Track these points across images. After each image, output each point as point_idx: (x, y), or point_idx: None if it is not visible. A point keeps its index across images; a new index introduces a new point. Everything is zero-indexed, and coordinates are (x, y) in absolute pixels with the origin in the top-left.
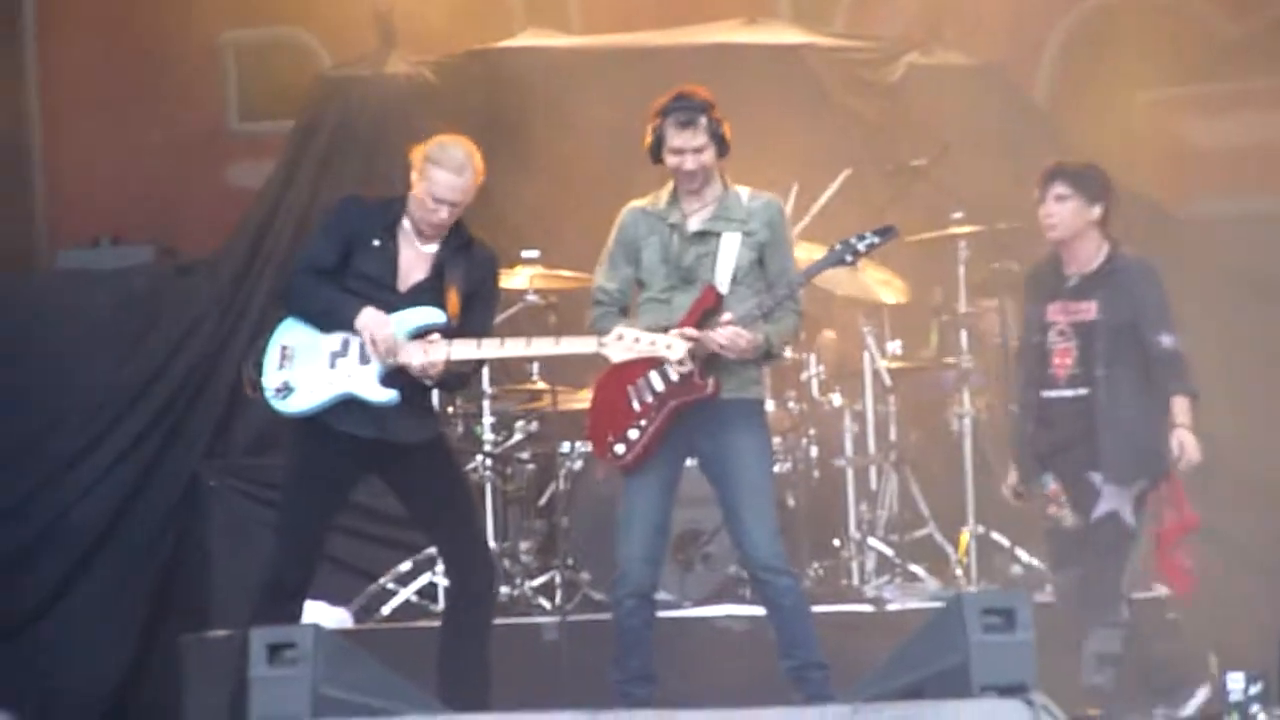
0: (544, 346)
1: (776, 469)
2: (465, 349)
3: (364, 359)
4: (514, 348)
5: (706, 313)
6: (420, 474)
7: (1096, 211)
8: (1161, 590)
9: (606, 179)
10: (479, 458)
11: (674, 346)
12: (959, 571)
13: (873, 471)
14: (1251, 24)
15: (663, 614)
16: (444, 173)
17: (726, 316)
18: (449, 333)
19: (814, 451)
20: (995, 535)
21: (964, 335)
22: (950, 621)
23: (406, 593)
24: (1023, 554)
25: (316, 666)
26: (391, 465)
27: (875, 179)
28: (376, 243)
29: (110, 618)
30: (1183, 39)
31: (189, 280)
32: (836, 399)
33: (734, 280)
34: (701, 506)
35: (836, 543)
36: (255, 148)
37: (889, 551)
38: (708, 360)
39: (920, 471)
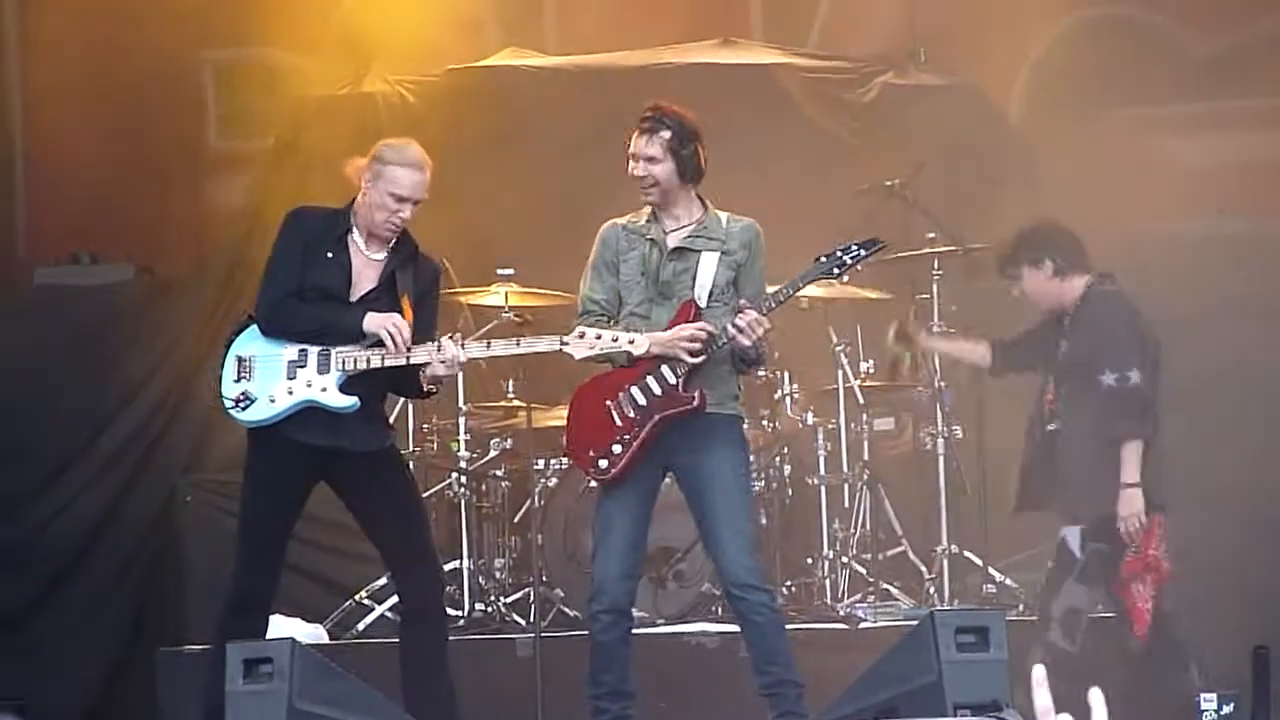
0: (505, 347)
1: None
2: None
3: (323, 367)
4: (475, 350)
5: None
6: (371, 482)
7: (1049, 268)
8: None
9: (582, 198)
10: (453, 474)
11: (636, 341)
12: (932, 590)
13: (846, 490)
14: (1220, 45)
15: (635, 631)
16: (405, 170)
17: (744, 303)
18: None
19: (787, 470)
20: (969, 554)
21: (936, 355)
22: (923, 640)
23: (382, 609)
24: (995, 573)
25: (292, 682)
26: (344, 473)
27: (848, 198)
28: (329, 254)
29: (88, 631)
30: (1153, 59)
31: (167, 297)
32: (810, 417)
33: (710, 298)
34: (674, 523)
35: (810, 561)
36: (233, 165)
37: (862, 570)
38: (689, 373)
39: (893, 490)
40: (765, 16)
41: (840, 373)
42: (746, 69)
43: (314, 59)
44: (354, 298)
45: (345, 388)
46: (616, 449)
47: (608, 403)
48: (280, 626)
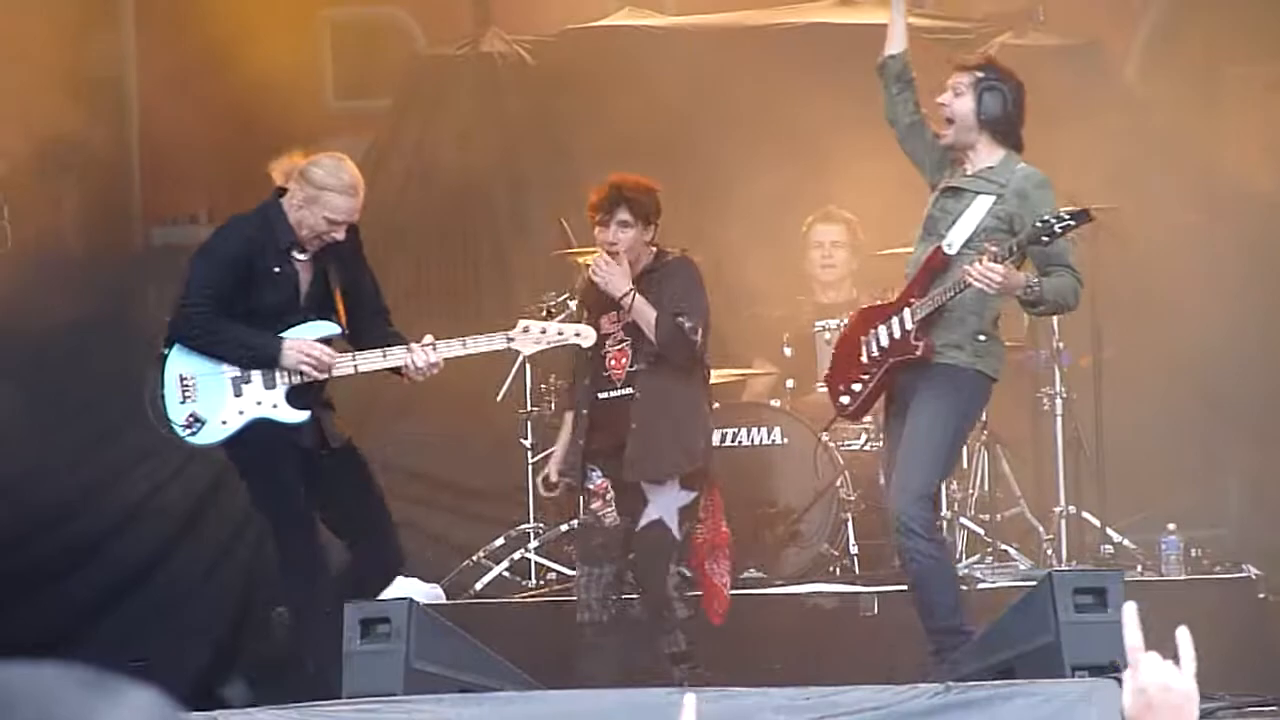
0: (452, 349)
1: (868, 448)
2: (373, 361)
3: (269, 382)
4: (442, 350)
5: (934, 273)
6: (334, 477)
7: (651, 233)
8: (1251, 570)
9: (700, 158)
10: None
11: (583, 334)
12: (1049, 550)
13: (964, 451)
14: None
15: (752, 592)
16: (341, 197)
17: (992, 249)
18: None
19: None
20: (1086, 515)
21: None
22: (1041, 600)
23: (499, 568)
24: (1113, 533)
25: (409, 641)
26: (325, 469)
27: None
28: (276, 269)
29: (207, 591)
30: (1272, 16)
31: None
32: None
33: (966, 244)
34: (791, 485)
35: None
36: (351, 126)
37: (980, 530)
38: (925, 320)
39: (1011, 450)
40: None
41: None
42: (864, 29)
43: (433, 18)
44: (303, 303)
45: (295, 399)
46: (856, 387)
47: (862, 338)
48: (398, 586)
